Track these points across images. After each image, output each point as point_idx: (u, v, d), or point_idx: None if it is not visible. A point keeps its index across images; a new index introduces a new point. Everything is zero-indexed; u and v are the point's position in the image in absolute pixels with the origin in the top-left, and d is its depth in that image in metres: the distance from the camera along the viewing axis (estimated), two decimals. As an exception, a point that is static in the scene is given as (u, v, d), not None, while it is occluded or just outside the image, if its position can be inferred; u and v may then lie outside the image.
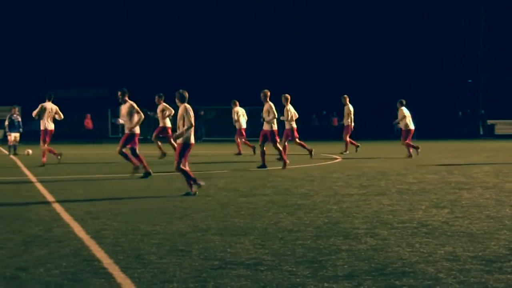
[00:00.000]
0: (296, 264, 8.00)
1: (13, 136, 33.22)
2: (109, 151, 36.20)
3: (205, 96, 73.44)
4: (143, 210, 12.70)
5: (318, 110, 65.94)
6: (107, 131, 64.51)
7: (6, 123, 33.64)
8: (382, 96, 71.50)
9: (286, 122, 26.62)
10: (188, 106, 15.51)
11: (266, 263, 8.03)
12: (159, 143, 28.53)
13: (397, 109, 29.48)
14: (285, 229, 10.47)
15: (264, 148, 22.66)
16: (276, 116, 22.52)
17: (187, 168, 15.39)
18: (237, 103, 33.31)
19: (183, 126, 15.33)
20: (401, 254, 8.52)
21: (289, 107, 26.59)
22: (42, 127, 24.55)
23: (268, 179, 18.82)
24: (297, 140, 27.29)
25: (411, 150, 29.07)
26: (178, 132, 15.38)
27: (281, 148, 22.88)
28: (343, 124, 32.06)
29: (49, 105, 24.51)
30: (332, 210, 12.62)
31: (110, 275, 7.45)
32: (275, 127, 22.60)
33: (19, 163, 26.67)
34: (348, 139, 31.50)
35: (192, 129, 15.56)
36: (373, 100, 71.90)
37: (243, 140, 32.46)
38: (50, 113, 24.65)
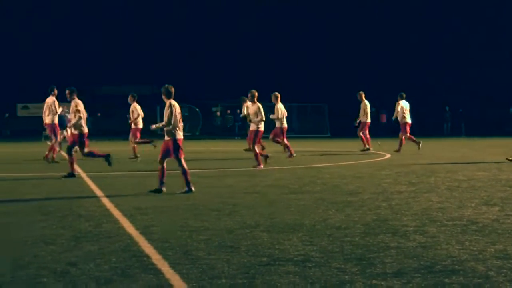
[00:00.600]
0: (345, 261, 7.97)
1: (65, 133, 31.90)
2: (157, 149, 36.40)
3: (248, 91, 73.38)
4: (191, 206, 12.75)
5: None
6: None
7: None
8: (433, 95, 70.95)
9: (276, 121, 26.93)
10: (173, 102, 15.34)
11: (314, 260, 8.00)
12: (135, 145, 28.31)
13: (396, 102, 30.02)
14: (334, 226, 10.43)
15: (256, 148, 22.20)
16: (264, 119, 22.19)
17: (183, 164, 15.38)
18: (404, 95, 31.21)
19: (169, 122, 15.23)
20: (450, 252, 8.43)
21: (280, 105, 26.98)
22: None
23: (317, 176, 18.77)
24: (285, 140, 27.55)
25: (403, 142, 29.78)
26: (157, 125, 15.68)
27: (257, 151, 22.07)
28: (361, 121, 31.59)
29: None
30: (380, 207, 12.54)
31: (159, 271, 7.49)
32: (261, 128, 22.25)
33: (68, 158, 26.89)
34: (361, 134, 31.14)
35: (180, 125, 15.40)
36: (425, 98, 71.33)
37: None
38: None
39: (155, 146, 27.75)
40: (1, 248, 8.81)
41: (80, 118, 19.16)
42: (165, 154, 15.39)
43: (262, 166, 21.76)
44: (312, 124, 62.31)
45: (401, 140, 29.76)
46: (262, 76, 78.37)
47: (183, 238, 9.44)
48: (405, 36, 76.26)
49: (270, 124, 26.56)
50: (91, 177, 18.78)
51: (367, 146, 30.62)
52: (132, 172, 20.75)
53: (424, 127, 60.65)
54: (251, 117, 22.33)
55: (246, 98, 29.62)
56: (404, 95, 30.31)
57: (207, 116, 63.74)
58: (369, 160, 24.90)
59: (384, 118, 63.78)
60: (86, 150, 19.66)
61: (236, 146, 34.70)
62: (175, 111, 15.19)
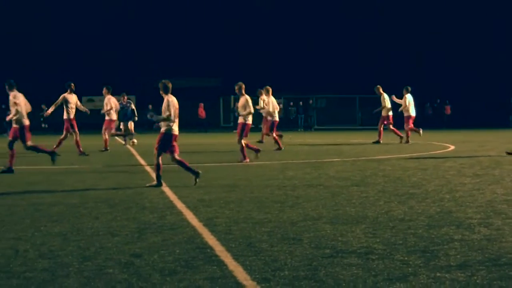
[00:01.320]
0: (408, 253, 7.93)
1: (123, 125, 32.54)
2: (221, 140, 36.62)
3: (316, 85, 73.34)
4: (254, 198, 12.80)
5: (431, 99, 64.90)
6: (219, 120, 65.18)
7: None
8: (499, 86, 69.94)
9: (268, 115, 27.51)
10: (170, 97, 15.38)
11: (377, 252, 7.98)
12: (106, 137, 28.42)
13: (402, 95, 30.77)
14: (397, 218, 10.38)
15: (244, 142, 21.48)
16: (252, 111, 21.57)
17: (179, 158, 15.56)
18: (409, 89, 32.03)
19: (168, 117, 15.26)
20: (516, 245, 8.34)
21: (271, 99, 27.33)
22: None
23: (380, 168, 18.68)
24: (274, 133, 28.07)
25: (409, 134, 31.11)
26: (157, 117, 15.65)
27: (244, 144, 21.38)
28: (382, 113, 31.89)
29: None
30: (444, 199, 12.43)
31: (222, 263, 7.55)
32: (249, 121, 21.56)
33: (133, 151, 27.22)
34: (381, 128, 31.84)
35: (176, 121, 15.45)
36: (491, 89, 70.35)
37: None
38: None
39: (126, 143, 28.08)
40: (70, 239, 8.96)
41: (17, 111, 18.64)
42: (161, 146, 15.52)
43: (247, 160, 21.26)
44: (376, 116, 61.92)
45: (407, 132, 31.00)
46: (326, 69, 78.25)
47: (246, 230, 9.50)
48: (473, 24, 75.27)
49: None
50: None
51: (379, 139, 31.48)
52: (195, 164, 20.89)
53: (489, 118, 59.89)
54: (239, 110, 21.77)
55: (262, 91, 29.98)
56: (410, 89, 31.47)
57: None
58: (433, 152, 24.67)
59: (448, 110, 63.11)
60: (28, 143, 19.22)
61: (299, 138, 34.71)
62: (173, 106, 15.30)
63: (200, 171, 15.41)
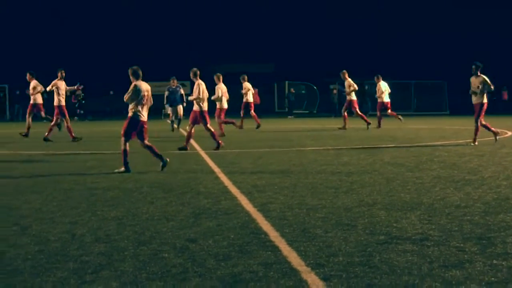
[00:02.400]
0: (464, 240, 7.85)
1: (172, 110, 31.98)
2: (276, 126, 36.63)
3: (371, 70, 72.88)
4: (308, 184, 12.78)
5: (508, 83, 63.89)
6: (273, 105, 65.17)
7: (166, 94, 32.46)
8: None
9: (217, 102, 27.12)
10: (138, 83, 15.29)
11: (433, 239, 7.92)
12: (30, 121, 28.44)
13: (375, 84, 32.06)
14: (452, 204, 10.28)
15: (193, 130, 20.74)
16: (201, 97, 20.76)
17: (148, 143, 15.59)
18: (380, 78, 33.89)
19: (131, 102, 15.28)
20: None
21: (221, 85, 26.91)
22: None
23: (435, 154, 18.51)
24: (221, 120, 27.84)
25: (382, 120, 33.60)
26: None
27: (212, 130, 20.68)
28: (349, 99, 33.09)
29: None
30: (501, 185, 12.28)
31: (276, 248, 7.55)
32: (204, 107, 20.49)
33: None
34: (346, 114, 33.14)
35: (144, 107, 15.34)
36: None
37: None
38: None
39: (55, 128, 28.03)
40: (126, 223, 9.05)
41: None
42: (127, 131, 15.51)
43: (222, 143, 20.80)
44: (431, 102, 61.43)
45: (379, 118, 33.53)
46: (381, 54, 77.72)
47: (301, 215, 9.49)
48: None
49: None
50: (209, 154, 19.05)
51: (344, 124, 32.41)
52: (249, 149, 20.93)
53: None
54: (193, 96, 20.91)
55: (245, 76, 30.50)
56: (381, 77, 33.74)
57: (325, 94, 63.56)
58: (489, 138, 24.36)
59: (505, 95, 62.24)
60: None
61: (353, 124, 34.54)
62: (138, 91, 15.22)
63: (168, 159, 15.45)
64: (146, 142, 15.54)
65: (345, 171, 14.81)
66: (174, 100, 31.71)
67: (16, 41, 79.00)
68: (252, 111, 32.99)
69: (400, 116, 33.81)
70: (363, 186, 12.41)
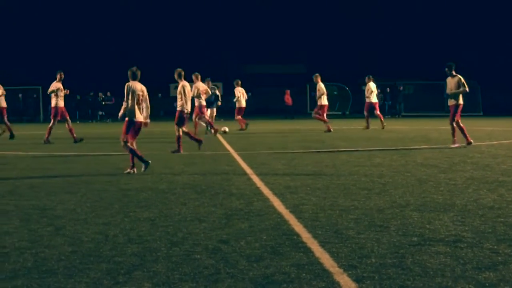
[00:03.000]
0: (498, 242, 7.79)
1: (209, 111, 31.51)
2: (308, 127, 36.61)
3: (404, 71, 72.59)
4: (341, 185, 12.75)
5: None
6: (305, 106, 65.08)
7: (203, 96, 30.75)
8: None
9: (195, 100, 27.61)
10: (131, 83, 15.30)
11: (466, 241, 7.87)
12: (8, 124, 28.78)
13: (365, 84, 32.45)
14: (486, 206, 10.21)
15: (181, 131, 20.53)
16: (184, 98, 20.55)
17: (133, 146, 15.45)
18: (371, 78, 34.62)
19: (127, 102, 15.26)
20: None
21: (199, 84, 27.83)
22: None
23: (468, 155, 18.39)
24: (195, 118, 28.62)
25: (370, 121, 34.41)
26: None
27: (186, 130, 20.55)
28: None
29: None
30: (536, 187, 12.18)
31: (308, 249, 7.55)
32: (187, 108, 20.50)
33: (220, 137, 27.40)
34: (317, 116, 33.19)
35: (136, 107, 15.30)
36: None
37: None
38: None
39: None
40: (158, 224, 9.09)
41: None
42: (127, 133, 15.51)
43: (181, 151, 20.48)
44: (464, 103, 61.03)
45: (367, 118, 34.39)
46: (414, 55, 77.33)
47: (333, 217, 9.47)
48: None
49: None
50: (241, 155, 19.08)
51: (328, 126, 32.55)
52: (281, 151, 20.92)
53: None
54: (177, 96, 20.94)
55: (239, 81, 30.82)
56: (372, 77, 34.34)
57: (357, 94, 63.39)
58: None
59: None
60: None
61: (386, 125, 34.46)
62: (131, 92, 15.22)
63: (149, 161, 15.45)
64: (130, 143, 15.47)
65: (378, 172, 14.76)
66: (210, 102, 31.28)
67: (50, 43, 79.62)
68: (240, 116, 34.06)
69: (384, 123, 34.87)
70: (396, 187, 12.37)
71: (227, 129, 31.00)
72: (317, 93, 32.83)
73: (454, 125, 20.95)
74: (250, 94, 57.03)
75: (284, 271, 6.67)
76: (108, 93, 57.38)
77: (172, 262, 7.07)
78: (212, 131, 29.94)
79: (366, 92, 34.31)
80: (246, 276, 6.50)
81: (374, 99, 34.02)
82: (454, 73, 21.25)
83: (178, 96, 20.68)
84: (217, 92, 32.17)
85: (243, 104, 34.32)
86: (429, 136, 27.49)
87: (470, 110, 58.82)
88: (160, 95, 60.41)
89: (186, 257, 7.30)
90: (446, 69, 21.33)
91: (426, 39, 79.13)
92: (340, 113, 62.57)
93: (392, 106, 59.05)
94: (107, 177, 14.56)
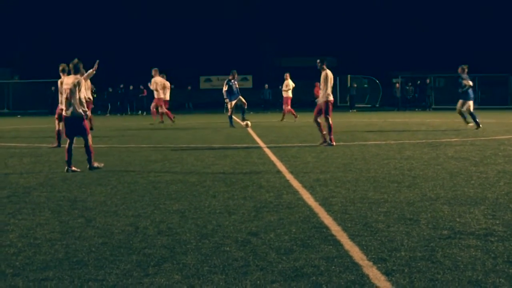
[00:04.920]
0: (529, 236, 7.74)
1: (233, 104, 31.32)
2: (338, 120, 36.52)
3: (434, 64, 72.15)
4: (371, 178, 12.72)
5: None
6: (335, 99, 64.85)
7: (225, 89, 31.51)
8: None
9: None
10: (62, 78, 15.12)
11: (497, 234, 7.82)
12: None
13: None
14: (518, 199, 10.13)
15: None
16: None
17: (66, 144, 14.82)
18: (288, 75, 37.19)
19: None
20: None
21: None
22: None
23: (499, 148, 18.26)
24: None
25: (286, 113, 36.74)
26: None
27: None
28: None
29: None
30: None
31: (338, 242, 7.54)
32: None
33: (250, 130, 27.40)
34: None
35: (65, 102, 14.79)
36: None
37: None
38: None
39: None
40: (188, 216, 9.12)
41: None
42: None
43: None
44: (496, 95, 60.61)
45: (284, 111, 36.94)
46: (444, 47, 76.81)
47: (363, 210, 9.45)
48: None
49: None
50: (271, 148, 19.08)
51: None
52: (311, 144, 20.89)
53: None
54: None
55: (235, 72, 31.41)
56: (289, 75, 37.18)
57: (387, 87, 63.18)
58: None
59: None
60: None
61: (415, 118, 34.31)
62: (60, 87, 14.93)
63: (101, 166, 15.07)
64: (90, 140, 14.96)
65: (408, 165, 14.70)
66: (232, 94, 31.29)
67: (82, 36, 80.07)
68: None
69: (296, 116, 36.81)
70: (426, 180, 12.31)
71: (249, 123, 30.64)
72: (285, 87, 36.38)
73: (320, 121, 20.45)
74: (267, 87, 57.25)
75: (313, 264, 6.66)
76: (141, 86, 57.58)
77: (201, 254, 7.09)
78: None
79: (285, 87, 36.90)
80: (276, 269, 6.51)
81: (290, 93, 36.64)
82: None
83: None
84: (237, 85, 31.60)
85: (290, 95, 36.98)
86: (460, 128, 27.30)
87: (502, 103, 58.37)
88: (189, 87, 60.48)
89: (215, 249, 7.32)
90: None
91: (459, 31, 78.56)
92: (370, 106, 62.36)
93: (421, 99, 58.71)
94: (138, 170, 14.62)
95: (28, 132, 29.22)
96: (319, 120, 20.20)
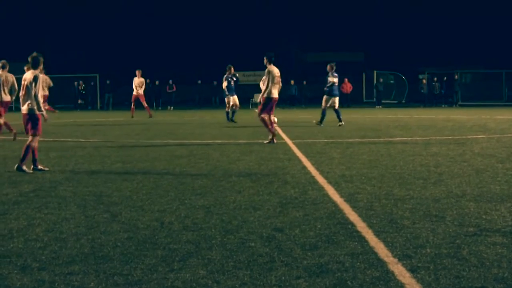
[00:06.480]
0: (556, 233, 7.68)
1: (232, 99, 31.05)
2: (364, 116, 36.43)
3: (461, 60, 71.75)
4: (396, 174, 12.68)
5: None
6: (361, 95, 64.73)
7: (225, 84, 31.07)
8: None
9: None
10: (26, 73, 13.86)
11: (523, 232, 7.78)
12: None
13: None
14: (545, 197, 10.07)
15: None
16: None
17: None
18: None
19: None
20: None
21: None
22: None
23: (527, 145, 18.14)
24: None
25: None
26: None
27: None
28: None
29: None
30: None
31: (363, 239, 7.53)
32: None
33: (275, 126, 27.36)
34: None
35: (22, 98, 13.78)
36: None
37: None
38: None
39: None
40: (213, 212, 9.14)
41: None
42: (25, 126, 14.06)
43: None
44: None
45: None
46: (471, 43, 76.35)
47: (388, 206, 9.43)
48: None
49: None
50: (297, 144, 19.06)
51: None
52: (337, 140, 20.86)
53: None
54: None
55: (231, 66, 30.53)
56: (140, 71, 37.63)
57: (414, 83, 62.89)
58: None
59: None
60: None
61: (441, 114, 34.18)
62: (23, 82, 13.78)
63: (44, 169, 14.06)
64: (30, 139, 13.79)
65: (434, 161, 14.64)
66: (231, 90, 31.01)
67: (106, 31, 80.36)
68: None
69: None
70: (452, 177, 12.25)
71: (275, 119, 30.39)
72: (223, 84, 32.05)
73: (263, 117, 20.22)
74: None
75: (338, 260, 6.66)
76: (170, 81, 57.82)
77: (226, 250, 7.11)
78: None
79: (137, 85, 37.50)
80: (300, 265, 6.51)
81: (141, 91, 37.31)
82: None
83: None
84: (232, 83, 31.15)
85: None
86: (487, 125, 27.16)
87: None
88: (215, 82, 60.49)
89: (240, 244, 7.33)
90: None
91: (485, 25, 78.06)
92: (396, 102, 62.11)
93: (448, 95, 58.35)
94: (164, 165, 14.67)
95: (54, 127, 29.39)
96: (263, 116, 20.08)
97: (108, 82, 56.71)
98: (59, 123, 32.05)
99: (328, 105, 27.96)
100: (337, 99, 28.12)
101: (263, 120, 20.06)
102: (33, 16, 78.92)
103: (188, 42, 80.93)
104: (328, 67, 28.36)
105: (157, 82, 58.50)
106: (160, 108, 57.36)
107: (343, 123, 27.66)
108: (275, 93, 20.13)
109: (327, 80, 28.17)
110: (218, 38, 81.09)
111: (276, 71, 20.16)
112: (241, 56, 72.51)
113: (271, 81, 19.93)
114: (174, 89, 57.89)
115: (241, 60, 70.57)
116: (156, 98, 58.73)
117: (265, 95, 20.00)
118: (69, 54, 79.16)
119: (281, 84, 20.66)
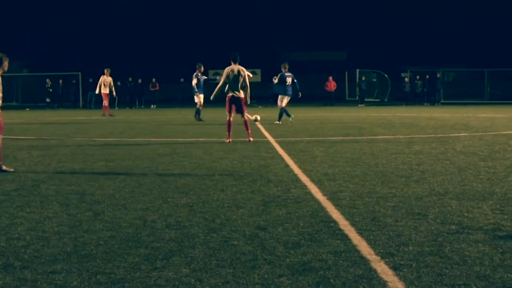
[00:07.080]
0: (537, 231, 7.73)
1: (201, 97, 30.98)
2: (347, 114, 36.50)
3: (443, 58, 72.01)
4: (379, 172, 12.71)
5: None
6: (344, 93, 64.84)
7: (194, 82, 30.89)
8: None
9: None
10: None
11: (505, 229, 7.81)
12: None
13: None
14: (526, 194, 10.11)
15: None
16: None
17: None
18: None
19: None
20: None
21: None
22: None
23: (509, 143, 18.23)
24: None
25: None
26: None
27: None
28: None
29: None
30: None
31: (346, 237, 7.54)
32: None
33: (258, 125, 27.37)
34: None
35: None
36: None
37: None
38: None
39: None
40: (196, 210, 9.13)
41: None
42: None
43: None
44: (506, 90, 60.40)
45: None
46: (453, 42, 76.63)
47: (371, 204, 9.45)
48: None
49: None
50: (280, 143, 19.08)
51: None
52: (320, 138, 20.89)
53: None
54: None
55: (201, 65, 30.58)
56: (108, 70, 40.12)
57: (396, 82, 63.07)
58: None
59: None
60: None
61: (423, 112, 34.27)
62: None
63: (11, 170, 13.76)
64: None
65: (416, 159, 14.68)
66: (200, 87, 30.97)
67: (90, 30, 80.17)
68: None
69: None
70: (435, 175, 12.29)
71: (258, 117, 30.35)
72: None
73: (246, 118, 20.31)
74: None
75: (321, 258, 6.67)
76: (153, 80, 57.73)
77: (209, 248, 7.10)
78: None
79: (105, 85, 39.55)
80: (283, 263, 6.51)
81: (107, 91, 39.33)
82: None
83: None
84: (204, 77, 31.14)
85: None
86: (469, 123, 27.27)
87: None
88: (182, 80, 60.38)
89: (223, 243, 7.33)
90: None
91: (467, 24, 78.35)
92: (378, 100, 62.28)
93: (430, 94, 58.53)
94: (147, 163, 14.64)
95: (37, 125, 29.25)
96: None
97: (90, 80, 56.52)
98: (42, 121, 31.91)
99: (283, 104, 28.66)
100: (286, 98, 28.85)
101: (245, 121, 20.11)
102: (14, 14, 78.55)
103: (171, 41, 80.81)
104: (282, 67, 29.09)
105: (140, 81, 58.35)
106: (143, 106, 57.29)
107: (280, 122, 28.50)
108: (229, 92, 20.08)
109: (284, 79, 28.70)
110: (201, 37, 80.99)
111: (228, 69, 19.97)
112: (223, 55, 72.46)
113: (223, 80, 19.95)
114: (157, 87, 57.79)
115: (223, 59, 70.48)
116: (139, 96, 58.62)
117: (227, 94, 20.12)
118: (53, 52, 78.89)
119: (247, 83, 20.29)
